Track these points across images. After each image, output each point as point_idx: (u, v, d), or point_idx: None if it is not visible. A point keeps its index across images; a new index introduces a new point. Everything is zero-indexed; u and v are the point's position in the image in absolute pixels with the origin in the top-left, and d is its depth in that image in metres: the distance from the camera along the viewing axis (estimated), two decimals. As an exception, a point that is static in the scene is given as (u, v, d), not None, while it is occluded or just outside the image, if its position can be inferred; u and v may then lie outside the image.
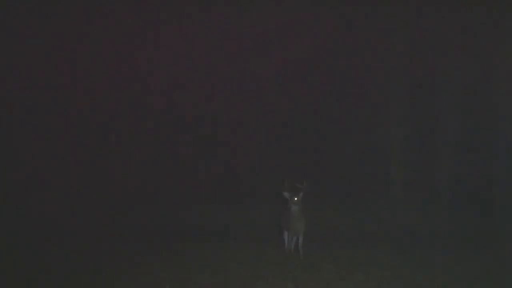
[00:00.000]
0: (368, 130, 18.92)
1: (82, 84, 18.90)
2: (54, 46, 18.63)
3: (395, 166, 18.43)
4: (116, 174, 18.88)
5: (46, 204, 16.17)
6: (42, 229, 14.03)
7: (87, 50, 18.84)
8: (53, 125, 18.68)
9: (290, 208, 11.92)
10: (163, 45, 18.98)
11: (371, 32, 17.99)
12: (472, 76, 17.78)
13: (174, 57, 18.97)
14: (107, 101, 18.88)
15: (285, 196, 11.89)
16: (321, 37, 18.33)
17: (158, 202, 17.93)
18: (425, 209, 17.07)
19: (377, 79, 18.64)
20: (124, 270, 10.63)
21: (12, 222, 11.92)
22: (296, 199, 11.83)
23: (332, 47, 18.46)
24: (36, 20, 18.28)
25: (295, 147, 19.08)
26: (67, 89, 18.80)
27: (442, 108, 18.37)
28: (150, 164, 19.15)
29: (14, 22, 18.21)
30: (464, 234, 14.52)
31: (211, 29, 18.81)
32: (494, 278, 10.48)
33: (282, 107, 19.09)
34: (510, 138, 16.08)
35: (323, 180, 17.54)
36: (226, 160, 19.34)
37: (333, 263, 11.30)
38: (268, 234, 14.01)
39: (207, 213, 17.01)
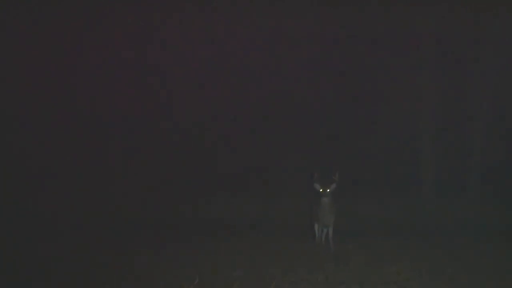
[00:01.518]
0: (398, 122, 18.82)
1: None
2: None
3: (426, 157, 18.34)
4: (141, 166, 18.98)
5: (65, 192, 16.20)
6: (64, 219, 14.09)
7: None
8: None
9: (320, 200, 11.89)
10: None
11: (400, 19, 17.85)
12: (503, 64, 17.65)
13: (199, 48, 19.00)
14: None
15: (316, 188, 11.86)
16: (346, 25, 18.24)
17: (188, 196, 17.99)
18: (457, 201, 16.98)
19: (407, 68, 18.53)
20: (155, 264, 10.66)
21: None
22: (327, 190, 11.81)
23: (358, 35, 18.36)
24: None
25: (325, 138, 19.03)
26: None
27: (471, 99, 18.24)
28: (178, 157, 19.19)
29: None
30: (496, 226, 14.40)
31: (233, 20, 18.78)
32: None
33: (312, 98, 19.03)
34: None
35: (354, 172, 17.50)
36: (256, 152, 19.35)
37: (364, 255, 11.23)
38: (299, 226, 13.99)
39: (238, 206, 17.03)
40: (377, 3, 17.50)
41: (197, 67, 19.09)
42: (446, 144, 18.40)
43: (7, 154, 17.58)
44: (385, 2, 17.43)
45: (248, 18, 18.47)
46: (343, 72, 18.77)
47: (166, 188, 18.37)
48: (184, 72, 19.07)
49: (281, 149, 19.43)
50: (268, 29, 18.56)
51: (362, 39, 18.39)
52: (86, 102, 18.91)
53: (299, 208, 14.75)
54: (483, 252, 11.63)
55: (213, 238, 13.29)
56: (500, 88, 17.92)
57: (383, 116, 19.07)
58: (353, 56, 18.65)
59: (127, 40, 18.96)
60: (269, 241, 12.83)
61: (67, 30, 18.69)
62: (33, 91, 18.53)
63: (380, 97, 18.93)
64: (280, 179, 18.84)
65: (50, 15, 18.30)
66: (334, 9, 17.72)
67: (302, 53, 18.88)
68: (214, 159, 19.32)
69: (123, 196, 17.72)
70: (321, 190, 11.81)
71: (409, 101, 18.66)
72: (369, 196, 17.48)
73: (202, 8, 18.40)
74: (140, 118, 19.34)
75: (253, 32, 18.67)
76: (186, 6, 18.29)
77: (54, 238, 12.96)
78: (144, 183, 18.54)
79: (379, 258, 11.03)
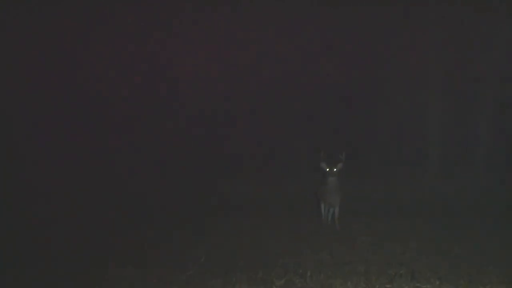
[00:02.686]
0: (404, 102, 18.77)
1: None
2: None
3: (433, 137, 18.30)
4: (150, 149, 19.03)
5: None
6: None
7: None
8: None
9: (327, 179, 11.87)
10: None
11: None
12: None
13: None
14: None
15: (322, 168, 11.83)
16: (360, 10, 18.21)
17: (194, 176, 18.03)
18: (463, 181, 16.94)
19: (414, 47, 18.46)
20: (161, 244, 10.71)
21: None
22: (334, 170, 11.78)
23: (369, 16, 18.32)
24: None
25: (332, 118, 19.01)
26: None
27: (479, 78, 18.17)
28: (187, 140, 19.21)
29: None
30: (502, 205, 14.37)
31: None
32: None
33: (320, 79, 18.99)
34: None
35: (360, 152, 17.49)
36: (263, 133, 19.36)
37: (369, 235, 11.24)
38: (305, 206, 14.00)
39: (244, 187, 17.04)
40: None
41: (206, 50, 19.05)
42: (453, 124, 18.34)
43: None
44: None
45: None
46: (350, 52, 18.68)
47: (174, 170, 18.41)
48: (193, 55, 19.06)
49: (288, 130, 19.41)
50: (278, 13, 18.56)
51: (372, 20, 18.33)
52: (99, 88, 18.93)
53: (306, 188, 14.74)
54: (490, 232, 11.60)
55: (219, 218, 13.32)
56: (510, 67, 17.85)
57: (390, 96, 19.02)
58: (362, 36, 18.57)
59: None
60: (275, 221, 12.86)
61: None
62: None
63: (388, 77, 18.86)
64: (286, 159, 18.84)
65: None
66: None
67: (313, 33, 18.81)
68: (221, 141, 19.33)
69: (132, 179, 17.79)
70: (327, 169, 11.79)
71: (417, 80, 18.58)
72: (375, 176, 17.46)
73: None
74: (153, 98, 19.37)
75: (263, 16, 18.65)
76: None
77: (65, 220, 13.06)
78: (151, 166, 18.60)
79: (385, 238, 11.04)
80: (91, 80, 18.81)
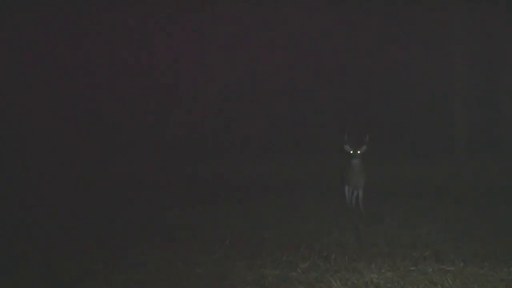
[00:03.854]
0: (432, 84, 18.68)
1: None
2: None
3: (459, 118, 18.20)
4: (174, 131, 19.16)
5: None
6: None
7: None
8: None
9: (351, 161, 11.85)
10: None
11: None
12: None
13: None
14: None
15: (346, 150, 11.82)
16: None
17: (220, 156, 18.11)
18: (489, 162, 16.83)
19: (438, 30, 18.35)
20: (187, 225, 10.78)
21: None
22: (358, 152, 11.77)
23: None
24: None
25: (357, 100, 18.98)
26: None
27: (505, 62, 18.03)
28: (212, 120, 19.30)
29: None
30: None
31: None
32: None
33: (343, 61, 18.96)
34: None
35: (385, 133, 17.45)
36: (288, 114, 19.38)
37: (395, 217, 11.24)
38: (330, 188, 14.01)
39: (269, 168, 17.08)
40: None
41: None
42: (478, 105, 18.22)
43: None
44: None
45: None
46: (377, 39, 18.65)
47: (199, 150, 18.50)
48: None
49: (313, 111, 19.41)
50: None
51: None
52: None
53: (330, 170, 14.74)
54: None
55: (245, 199, 13.36)
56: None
57: (415, 77, 18.92)
58: (384, 18, 18.54)
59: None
60: (300, 203, 12.90)
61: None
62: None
63: (414, 62, 18.76)
64: (311, 140, 18.83)
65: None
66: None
67: (339, 22, 18.82)
68: (246, 122, 19.37)
69: (157, 158, 17.92)
70: (351, 151, 11.75)
71: (442, 62, 18.47)
72: (400, 158, 17.40)
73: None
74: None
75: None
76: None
77: (89, 200, 13.19)
78: (179, 145, 18.71)
79: (410, 220, 11.04)
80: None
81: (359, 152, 11.72)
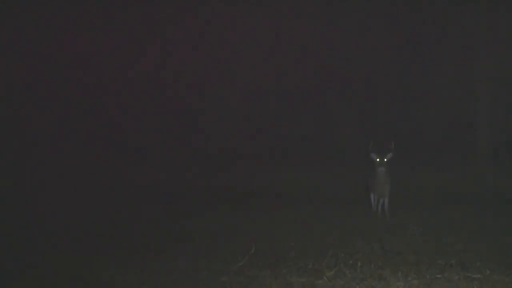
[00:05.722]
0: (455, 90, 18.59)
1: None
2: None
3: (484, 125, 18.07)
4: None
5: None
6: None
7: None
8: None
9: (376, 169, 11.85)
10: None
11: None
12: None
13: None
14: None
15: (372, 158, 11.82)
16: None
17: (244, 166, 18.13)
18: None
19: (463, 36, 18.27)
20: (212, 233, 10.81)
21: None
22: (384, 160, 11.75)
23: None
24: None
25: (382, 108, 18.94)
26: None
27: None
28: (234, 127, 19.34)
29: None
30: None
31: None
32: None
33: (368, 67, 18.95)
34: None
35: (411, 141, 17.39)
36: (313, 122, 19.38)
37: (420, 225, 11.19)
38: (355, 196, 13.99)
39: (294, 176, 17.09)
40: None
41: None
42: (502, 112, 18.11)
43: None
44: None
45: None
46: (398, 41, 18.62)
47: (224, 158, 18.55)
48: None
49: (338, 119, 19.40)
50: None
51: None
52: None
53: (355, 178, 14.73)
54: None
55: (270, 208, 13.39)
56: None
57: (439, 85, 18.85)
58: (409, 23, 18.50)
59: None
60: (325, 211, 12.90)
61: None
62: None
63: (437, 66, 18.70)
64: (336, 148, 18.82)
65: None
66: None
67: (364, 25, 18.82)
68: (271, 130, 19.39)
69: (181, 164, 18.00)
70: (377, 159, 11.76)
71: (465, 69, 18.38)
72: (426, 166, 17.33)
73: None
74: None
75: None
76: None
77: (110, 208, 13.29)
78: (200, 152, 18.79)
79: (436, 228, 11.00)
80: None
81: (385, 159, 11.72)
